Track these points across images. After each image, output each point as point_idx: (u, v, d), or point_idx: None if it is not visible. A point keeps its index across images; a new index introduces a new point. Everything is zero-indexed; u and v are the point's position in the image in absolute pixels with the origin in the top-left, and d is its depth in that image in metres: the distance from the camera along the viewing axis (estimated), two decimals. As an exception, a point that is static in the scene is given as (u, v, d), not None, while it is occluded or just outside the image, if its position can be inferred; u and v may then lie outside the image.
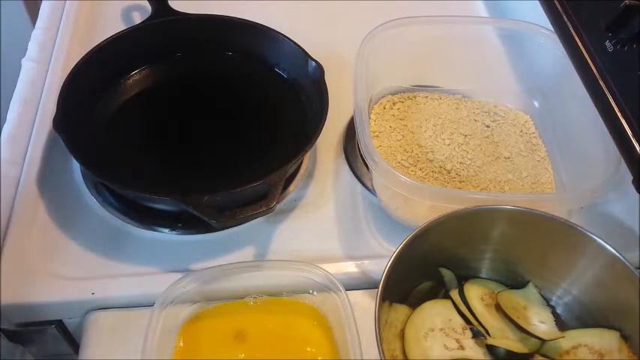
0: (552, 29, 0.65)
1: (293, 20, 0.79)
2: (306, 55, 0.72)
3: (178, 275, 0.57)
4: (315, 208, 0.67)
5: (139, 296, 0.59)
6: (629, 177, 0.51)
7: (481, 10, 0.92)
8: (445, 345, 0.53)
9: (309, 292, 0.58)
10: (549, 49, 0.72)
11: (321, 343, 0.56)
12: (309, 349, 0.56)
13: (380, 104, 0.75)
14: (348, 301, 0.55)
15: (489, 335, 0.53)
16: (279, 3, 0.89)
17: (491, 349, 0.53)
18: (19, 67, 0.77)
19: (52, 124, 0.64)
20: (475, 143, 0.72)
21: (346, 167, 0.71)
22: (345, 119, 0.75)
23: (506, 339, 0.54)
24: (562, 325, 0.56)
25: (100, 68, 0.71)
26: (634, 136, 0.50)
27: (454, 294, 0.56)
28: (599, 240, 0.53)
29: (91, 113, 0.70)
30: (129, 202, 0.65)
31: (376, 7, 0.89)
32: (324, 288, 0.57)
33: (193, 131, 0.71)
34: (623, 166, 0.53)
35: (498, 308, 0.55)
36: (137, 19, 0.84)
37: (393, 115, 0.74)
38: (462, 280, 0.58)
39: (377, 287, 0.49)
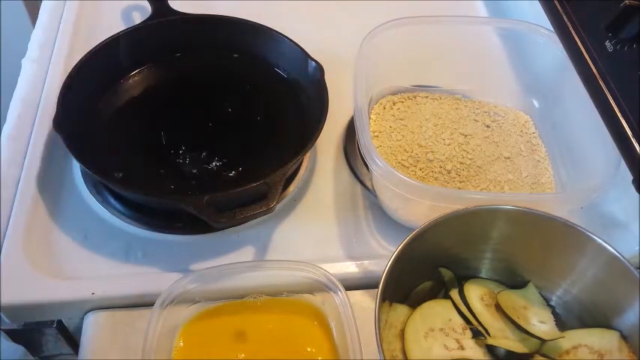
0: (552, 29, 0.64)
1: (293, 20, 0.79)
2: (306, 55, 0.72)
3: (178, 275, 0.57)
4: (315, 208, 0.67)
5: (139, 296, 0.59)
6: (629, 177, 0.51)
7: (481, 10, 0.92)
8: (445, 345, 0.53)
9: (309, 292, 0.58)
10: (549, 49, 0.72)
11: (321, 343, 0.56)
12: (309, 349, 0.56)
13: (380, 104, 0.75)
14: (348, 301, 0.55)
15: (489, 335, 0.53)
16: (279, 3, 0.89)
17: (491, 349, 0.53)
18: (19, 67, 0.77)
19: (52, 124, 0.64)
20: (475, 143, 0.72)
21: (346, 167, 0.71)
22: (345, 119, 0.75)
23: (506, 339, 0.54)
24: (562, 325, 0.56)
25: (100, 68, 0.71)
26: (634, 136, 0.50)
27: (454, 294, 0.56)
28: (599, 240, 0.53)
29: (91, 113, 0.70)
30: (129, 202, 0.65)
31: (376, 7, 0.89)
32: (324, 288, 0.57)
33: (193, 131, 0.71)
34: (623, 166, 0.53)
35: (498, 308, 0.55)
36: (137, 19, 0.84)
37: (393, 115, 0.74)
38: (462, 280, 0.58)
39: (377, 287, 0.49)
